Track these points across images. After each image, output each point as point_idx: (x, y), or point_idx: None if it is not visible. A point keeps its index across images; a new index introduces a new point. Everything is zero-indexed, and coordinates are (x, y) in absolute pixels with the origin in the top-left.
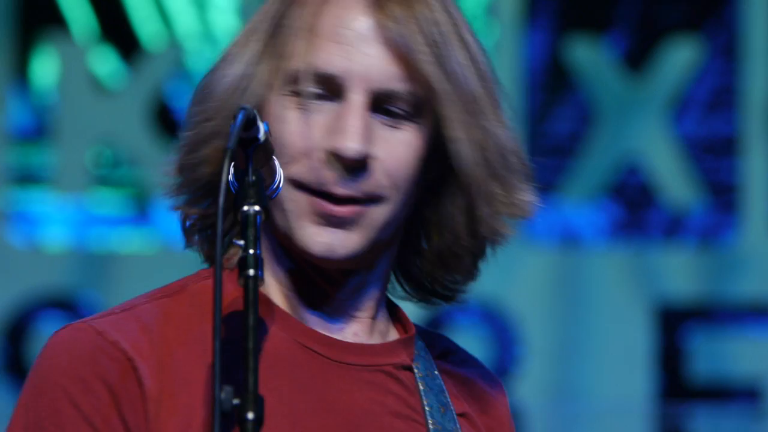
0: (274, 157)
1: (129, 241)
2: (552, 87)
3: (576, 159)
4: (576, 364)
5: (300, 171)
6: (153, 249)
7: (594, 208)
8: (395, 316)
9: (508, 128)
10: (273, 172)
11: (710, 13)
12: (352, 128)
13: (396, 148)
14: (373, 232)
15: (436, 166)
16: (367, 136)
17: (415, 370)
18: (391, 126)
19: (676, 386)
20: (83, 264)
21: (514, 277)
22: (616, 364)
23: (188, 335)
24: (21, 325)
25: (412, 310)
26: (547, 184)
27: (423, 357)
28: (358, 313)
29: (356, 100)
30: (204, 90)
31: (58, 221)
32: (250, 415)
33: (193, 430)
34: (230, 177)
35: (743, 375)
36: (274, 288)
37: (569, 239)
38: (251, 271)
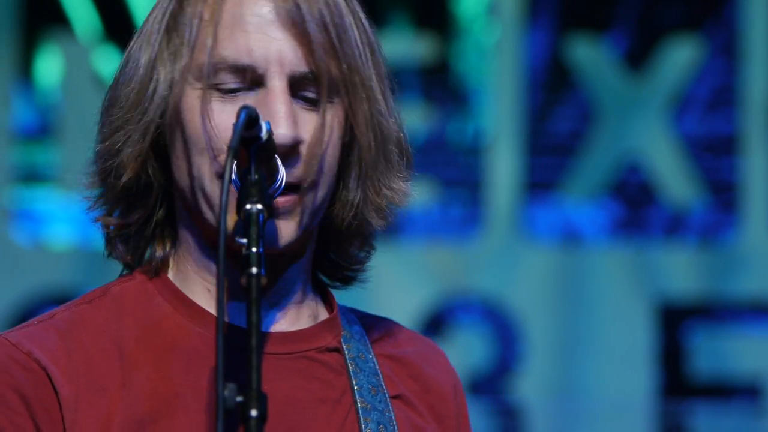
0: (276, 156)
1: None
2: (553, 86)
3: (577, 158)
4: (577, 362)
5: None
6: None
7: (595, 206)
8: (324, 297)
9: (394, 116)
10: (275, 171)
11: (710, 13)
12: (281, 114)
13: (319, 132)
14: (306, 218)
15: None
16: (295, 120)
17: (345, 351)
18: (310, 109)
19: (677, 384)
20: (88, 262)
21: (516, 275)
22: (617, 362)
23: (105, 340)
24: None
25: (415, 303)
26: (549, 182)
27: (357, 339)
28: (283, 301)
29: (278, 86)
30: (110, 99)
31: (63, 219)
32: (254, 412)
33: None
34: (233, 176)
35: (744, 373)
36: (198, 285)
37: (571, 237)
38: (254, 270)
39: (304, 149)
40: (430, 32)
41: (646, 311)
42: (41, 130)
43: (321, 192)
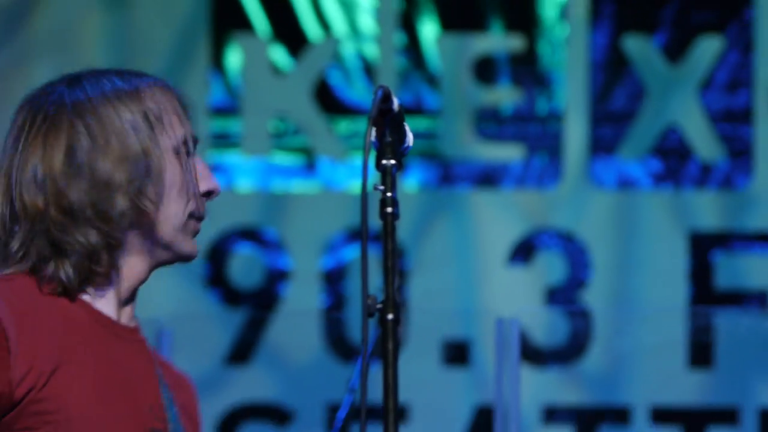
0: (405, 124)
1: (299, 186)
2: (612, 72)
3: (630, 125)
4: (630, 278)
5: (193, 206)
6: (316, 190)
7: (643, 161)
8: None
9: None
10: (404, 135)
11: (732, 18)
12: (211, 173)
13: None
14: None
15: None
16: None
17: (148, 346)
18: None
19: (704, 293)
20: (265, 203)
21: (584, 213)
22: (660, 277)
23: (32, 308)
24: (220, 250)
25: (509, 235)
26: (609, 144)
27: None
28: (132, 300)
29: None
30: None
31: (246, 172)
32: (390, 316)
33: (35, 368)
34: (372, 139)
35: (753, 285)
36: (91, 289)
37: (625, 185)
38: (389, 209)
39: None
40: (519, 32)
41: (681, 240)
42: (230, 107)
43: None
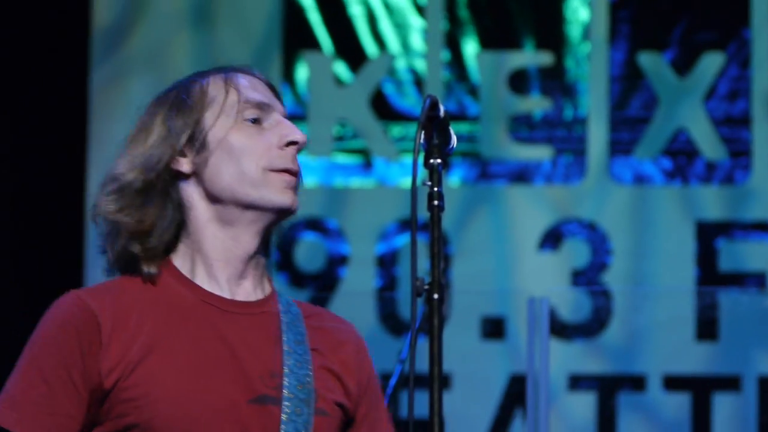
0: (450, 128)
1: (357, 182)
2: (629, 83)
3: (644, 130)
4: (644, 262)
5: (267, 161)
6: (372, 186)
7: (656, 160)
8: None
9: None
10: (449, 138)
11: (732, 37)
12: (293, 127)
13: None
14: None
15: None
16: None
17: (282, 317)
18: None
19: (709, 274)
20: (328, 197)
21: (605, 205)
22: (670, 262)
23: (135, 303)
24: (288, 238)
25: (540, 225)
26: (627, 145)
27: (292, 313)
28: (251, 273)
29: (281, 112)
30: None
31: (311, 170)
32: (436, 296)
33: (125, 358)
34: (421, 141)
35: (752, 267)
36: (201, 270)
37: (640, 181)
38: (436, 202)
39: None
40: (548, 49)
41: (689, 228)
42: (298, 115)
43: None
